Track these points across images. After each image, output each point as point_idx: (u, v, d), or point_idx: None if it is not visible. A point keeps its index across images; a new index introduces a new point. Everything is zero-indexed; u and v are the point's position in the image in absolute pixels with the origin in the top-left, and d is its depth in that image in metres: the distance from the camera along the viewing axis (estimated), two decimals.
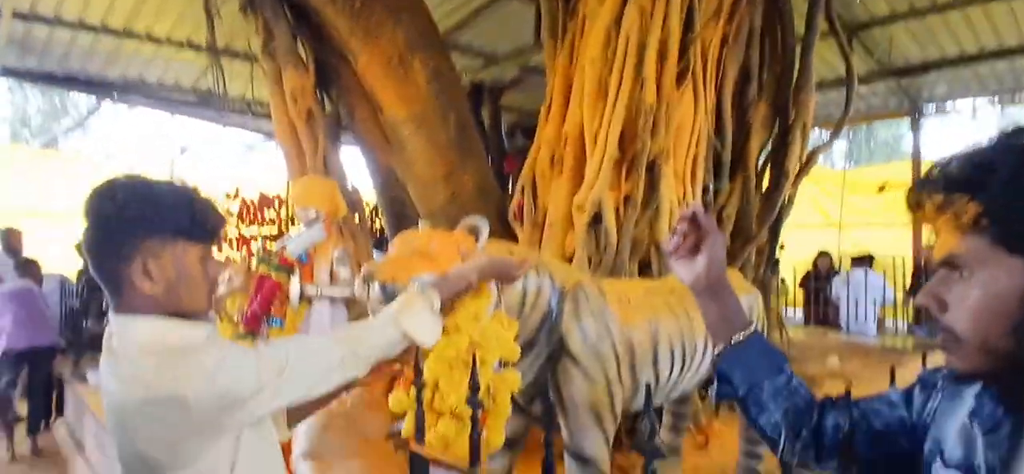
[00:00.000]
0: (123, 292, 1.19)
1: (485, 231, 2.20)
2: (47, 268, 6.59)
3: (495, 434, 2.33)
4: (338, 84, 5.17)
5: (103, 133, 16.09)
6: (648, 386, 1.41)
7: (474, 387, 1.71)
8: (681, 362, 2.74)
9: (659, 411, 3.59)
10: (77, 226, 1.23)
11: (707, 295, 1.15)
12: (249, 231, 8.13)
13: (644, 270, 3.90)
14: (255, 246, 7.59)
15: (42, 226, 7.91)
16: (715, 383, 1.22)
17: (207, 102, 8.26)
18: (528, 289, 2.36)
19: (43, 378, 5.33)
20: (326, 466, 3.31)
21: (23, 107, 15.33)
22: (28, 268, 5.62)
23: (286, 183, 7.83)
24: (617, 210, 3.62)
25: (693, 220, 1.13)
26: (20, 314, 5.16)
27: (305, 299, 3.94)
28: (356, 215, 5.36)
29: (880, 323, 8.64)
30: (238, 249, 7.67)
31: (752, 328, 1.16)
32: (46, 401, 5.49)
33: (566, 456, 2.50)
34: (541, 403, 1.40)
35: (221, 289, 4.27)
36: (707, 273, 1.13)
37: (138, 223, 1.16)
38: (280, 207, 8.62)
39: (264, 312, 3.90)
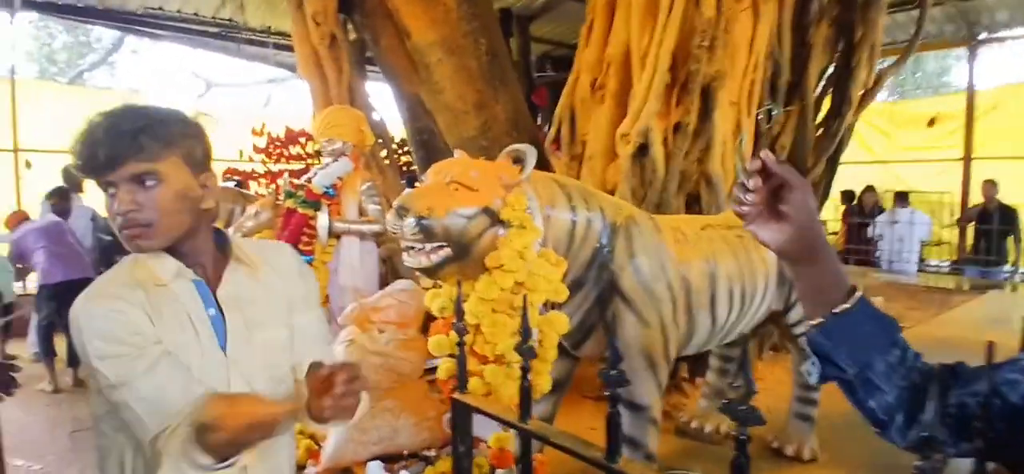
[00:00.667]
0: None
1: (531, 160, 1.97)
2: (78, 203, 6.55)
3: (542, 379, 2.16)
4: (362, 8, 4.88)
5: (127, 68, 16.02)
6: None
7: (525, 333, 1.52)
8: (740, 304, 2.52)
9: (706, 354, 3.40)
10: None
11: (800, 261, 0.90)
12: (277, 167, 7.99)
13: (691, 205, 3.65)
14: (281, 182, 7.47)
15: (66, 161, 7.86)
16: (815, 362, 0.97)
17: (227, 35, 8.05)
18: (577, 223, 2.14)
19: None
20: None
21: (49, 44, 15.23)
22: (61, 196, 5.55)
23: (311, 117, 7.67)
24: (665, 139, 3.34)
25: (764, 171, 0.86)
26: (52, 249, 5.10)
27: (334, 234, 3.77)
28: (383, 147, 5.16)
29: (920, 261, 8.37)
30: (266, 185, 7.55)
31: (858, 295, 0.90)
32: None
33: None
34: (610, 349, 1.18)
35: (249, 223, 4.13)
36: (799, 236, 0.87)
37: None
38: (306, 142, 8.45)
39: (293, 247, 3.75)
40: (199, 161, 1.14)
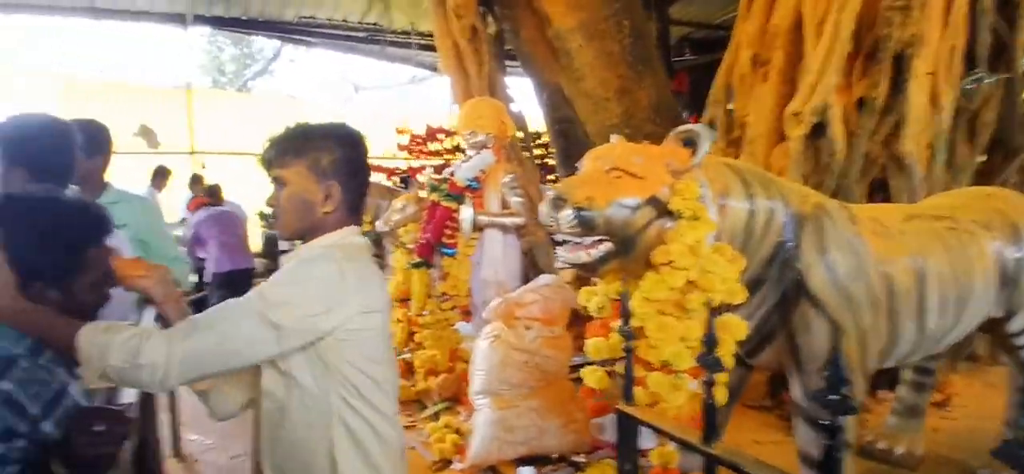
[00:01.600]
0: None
1: (706, 142, 1.72)
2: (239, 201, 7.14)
3: (718, 391, 1.91)
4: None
5: (285, 76, 17.38)
6: None
7: (710, 341, 1.29)
8: (954, 310, 2.10)
9: (897, 368, 2.95)
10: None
11: None
12: (417, 163, 8.24)
13: (874, 194, 3.18)
14: (421, 177, 7.68)
15: (236, 163, 8.58)
16: None
17: (373, 38, 8.39)
18: (756, 214, 1.86)
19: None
20: (504, 402, 3.10)
21: (218, 56, 16.89)
22: (212, 194, 6.00)
23: (449, 113, 7.80)
24: (846, 117, 2.92)
25: None
26: (223, 238, 5.48)
27: (477, 227, 3.72)
28: (523, 140, 5.07)
29: None
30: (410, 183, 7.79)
31: None
32: None
33: (796, 420, 2.02)
34: (832, 368, 0.94)
35: (395, 217, 4.19)
36: None
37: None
38: (445, 139, 8.64)
39: (436, 240, 3.74)
40: (325, 170, 1.30)
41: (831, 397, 1.09)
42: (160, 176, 6.88)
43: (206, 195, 5.81)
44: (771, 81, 3.23)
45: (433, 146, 8.64)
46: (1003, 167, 3.56)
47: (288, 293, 1.22)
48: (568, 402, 3.15)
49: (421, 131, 8.62)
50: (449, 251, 3.83)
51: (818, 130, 2.94)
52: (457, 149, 8.17)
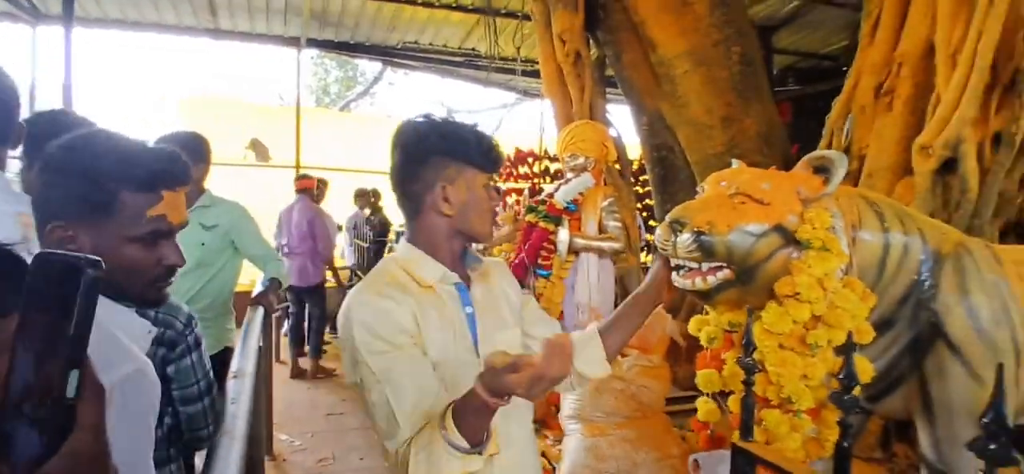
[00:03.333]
0: (421, 214, 1.29)
1: (841, 170, 1.64)
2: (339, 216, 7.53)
3: (833, 432, 1.80)
4: (606, 24, 4.81)
5: (385, 98, 18.12)
6: None
7: (849, 379, 1.21)
8: None
9: None
10: (363, 178, 1.50)
11: None
12: (505, 186, 8.35)
13: (1007, 235, 2.93)
14: (510, 200, 7.78)
15: (340, 178, 9.01)
16: None
17: (472, 63, 8.61)
18: (891, 248, 1.75)
19: (320, 308, 5.97)
20: (597, 429, 3.05)
21: (324, 78, 17.84)
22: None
23: (539, 138, 7.87)
24: (981, 153, 2.71)
25: None
26: (297, 250, 5.75)
27: (573, 250, 3.71)
28: (618, 165, 5.03)
29: None
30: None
31: None
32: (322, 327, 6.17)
33: None
34: (991, 414, 0.86)
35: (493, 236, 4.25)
36: None
37: (437, 151, 1.26)
38: (534, 163, 8.71)
39: (532, 262, 3.75)
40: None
41: (990, 446, 1.00)
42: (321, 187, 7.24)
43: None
44: (896, 112, 3.05)
45: (523, 169, 8.75)
46: None
47: None
48: (663, 435, 3.06)
49: (511, 154, 8.75)
50: (544, 273, 3.83)
51: (949, 165, 2.74)
52: (546, 173, 8.24)
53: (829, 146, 3.47)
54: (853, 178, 3.32)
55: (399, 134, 1.30)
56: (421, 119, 1.29)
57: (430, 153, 1.26)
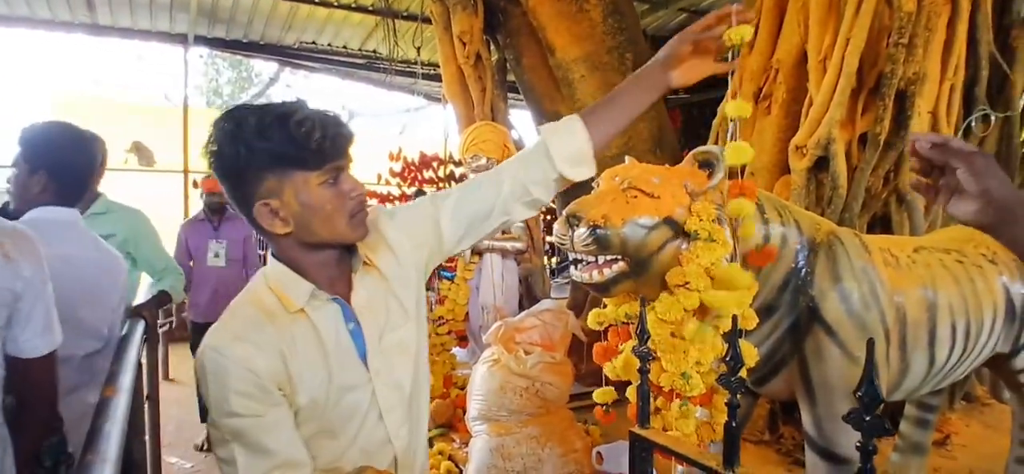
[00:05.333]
0: (266, 234, 1.06)
1: (723, 165, 1.72)
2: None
3: (724, 415, 1.88)
4: (506, 27, 4.86)
5: (284, 99, 17.35)
6: None
7: (735, 361, 1.26)
8: (963, 343, 2.10)
9: (901, 404, 2.93)
10: None
11: (1003, 225, 0.86)
12: (411, 190, 8.25)
13: (874, 227, 3.20)
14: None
15: None
16: None
17: (373, 65, 8.44)
18: (770, 239, 1.86)
19: None
20: (503, 428, 3.04)
21: (216, 79, 16.91)
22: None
23: (444, 141, 7.83)
24: (849, 151, 2.95)
25: (922, 156, 0.89)
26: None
27: (477, 251, 3.70)
28: None
29: None
30: None
31: None
32: None
33: (810, 452, 1.99)
34: (864, 388, 0.93)
35: None
36: (985, 205, 0.85)
37: (248, 165, 1.01)
38: (439, 167, 8.66)
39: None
40: None
41: (866, 419, 1.06)
42: None
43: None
44: (774, 115, 3.27)
45: (427, 174, 8.67)
46: None
47: None
48: (568, 430, 3.10)
49: (415, 159, 8.65)
50: (448, 275, 3.80)
51: (821, 164, 2.96)
52: (451, 177, 8.20)
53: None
54: (738, 177, 3.51)
55: (205, 150, 1.04)
56: (224, 125, 1.02)
57: (242, 170, 1.01)
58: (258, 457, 0.99)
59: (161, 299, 2.82)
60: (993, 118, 3.38)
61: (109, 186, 2.72)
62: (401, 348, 1.15)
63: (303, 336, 1.05)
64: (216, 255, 3.96)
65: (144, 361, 2.96)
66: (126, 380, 1.84)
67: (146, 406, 2.98)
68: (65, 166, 1.76)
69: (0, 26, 6.69)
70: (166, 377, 5.44)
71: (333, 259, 1.10)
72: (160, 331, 5.41)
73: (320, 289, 1.07)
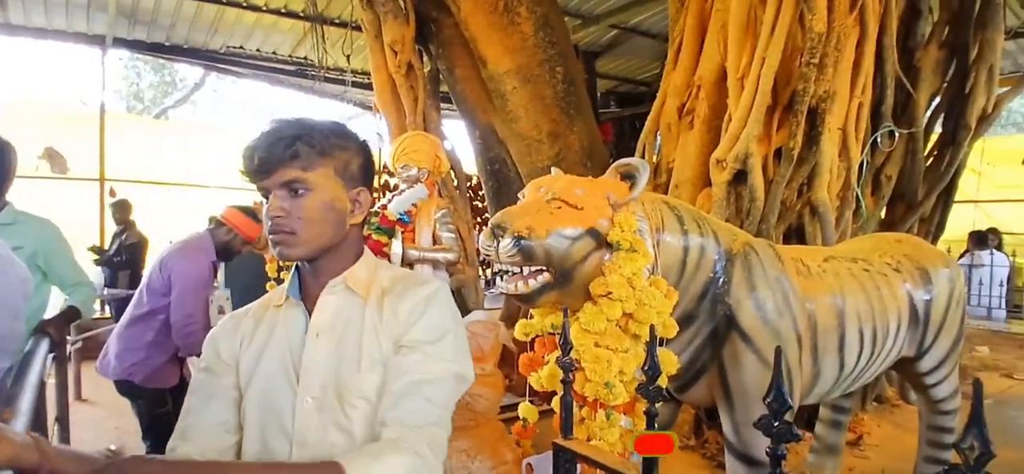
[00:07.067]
0: None
1: (644, 176, 1.76)
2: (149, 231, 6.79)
3: (643, 425, 1.91)
4: (438, 37, 4.84)
5: (208, 106, 16.75)
6: None
7: (652, 370, 1.29)
8: (871, 347, 2.21)
9: (816, 406, 3.06)
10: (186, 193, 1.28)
11: None
12: None
13: (790, 237, 3.34)
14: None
15: (148, 191, 8.17)
16: None
17: (304, 72, 8.25)
18: (690, 250, 1.91)
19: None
20: None
21: (137, 83, 16.13)
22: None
23: (379, 151, 7.73)
24: (765, 165, 3.08)
25: None
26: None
27: (407, 262, 3.64)
28: (454, 177, 5.06)
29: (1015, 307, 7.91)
30: None
31: None
32: None
33: (729, 457, 2.05)
34: (773, 394, 0.95)
35: None
36: None
37: None
38: (375, 175, 8.54)
39: None
40: (354, 175, 1.11)
41: (775, 424, 1.09)
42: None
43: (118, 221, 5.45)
44: (696, 130, 3.37)
45: None
46: (905, 218, 3.84)
47: (457, 335, 1.09)
48: (498, 442, 3.09)
49: None
50: None
51: (740, 177, 3.08)
52: (385, 187, 8.10)
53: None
54: (663, 190, 3.61)
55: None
56: None
57: None
58: (184, 410, 1.11)
59: (70, 314, 2.64)
60: (897, 134, 3.60)
61: (18, 195, 2.53)
62: (344, 389, 1.05)
63: (269, 326, 1.13)
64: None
65: (52, 381, 2.76)
66: (25, 402, 1.72)
67: (55, 429, 2.78)
68: None
69: None
70: (78, 397, 5.11)
71: (307, 270, 1.14)
72: (72, 348, 5.09)
73: (299, 295, 1.13)
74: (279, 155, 1.02)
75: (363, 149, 1.14)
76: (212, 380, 1.12)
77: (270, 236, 1.06)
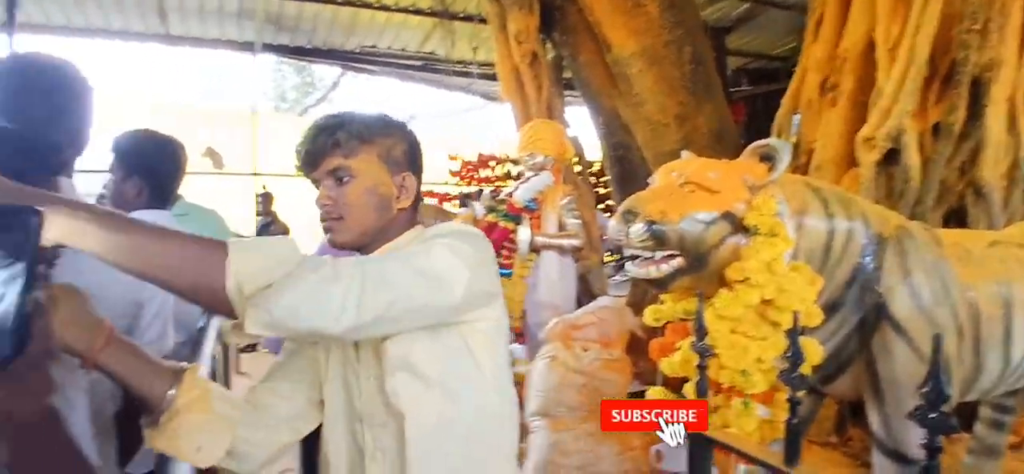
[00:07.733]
0: None
1: (785, 157, 1.69)
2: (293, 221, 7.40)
3: (785, 413, 1.85)
4: (562, 25, 4.86)
5: (343, 104, 17.88)
6: None
7: (795, 357, 1.25)
8: None
9: (975, 405, 2.79)
10: None
11: None
12: (468, 190, 8.38)
13: (950, 221, 3.05)
14: (481, 198, 7.82)
15: (296, 184, 8.87)
16: None
17: (431, 66, 8.59)
18: (835, 234, 1.81)
19: None
20: (561, 424, 3.06)
21: (282, 84, 17.60)
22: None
23: (500, 141, 7.91)
24: (921, 143, 2.83)
25: None
26: None
27: (534, 249, 3.72)
28: (578, 164, 5.08)
29: None
30: (459, 206, 7.92)
31: None
32: None
33: (878, 453, 1.93)
34: (930, 383, 0.90)
35: None
36: None
37: None
38: (496, 166, 8.76)
39: None
40: (398, 160, 1.13)
41: (931, 415, 1.03)
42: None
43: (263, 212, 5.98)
44: (840, 106, 3.16)
45: (484, 173, 8.78)
46: None
47: (454, 250, 1.00)
48: (625, 427, 3.10)
49: (473, 158, 8.77)
50: (504, 272, 3.83)
51: (891, 156, 2.85)
52: (508, 176, 8.27)
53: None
54: (802, 172, 3.41)
55: None
56: None
57: None
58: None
59: None
60: None
61: (184, 188, 2.87)
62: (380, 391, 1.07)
63: None
64: None
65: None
66: (202, 371, 1.96)
67: None
68: (156, 171, 1.88)
69: (79, 37, 7.14)
70: (238, 371, 5.70)
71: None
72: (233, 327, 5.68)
73: None
74: (322, 145, 1.07)
75: (407, 136, 1.16)
76: (305, 348, 1.18)
77: (322, 224, 1.12)
